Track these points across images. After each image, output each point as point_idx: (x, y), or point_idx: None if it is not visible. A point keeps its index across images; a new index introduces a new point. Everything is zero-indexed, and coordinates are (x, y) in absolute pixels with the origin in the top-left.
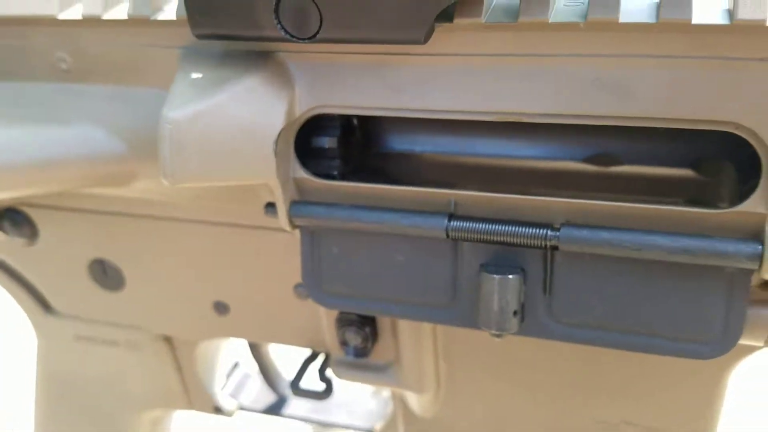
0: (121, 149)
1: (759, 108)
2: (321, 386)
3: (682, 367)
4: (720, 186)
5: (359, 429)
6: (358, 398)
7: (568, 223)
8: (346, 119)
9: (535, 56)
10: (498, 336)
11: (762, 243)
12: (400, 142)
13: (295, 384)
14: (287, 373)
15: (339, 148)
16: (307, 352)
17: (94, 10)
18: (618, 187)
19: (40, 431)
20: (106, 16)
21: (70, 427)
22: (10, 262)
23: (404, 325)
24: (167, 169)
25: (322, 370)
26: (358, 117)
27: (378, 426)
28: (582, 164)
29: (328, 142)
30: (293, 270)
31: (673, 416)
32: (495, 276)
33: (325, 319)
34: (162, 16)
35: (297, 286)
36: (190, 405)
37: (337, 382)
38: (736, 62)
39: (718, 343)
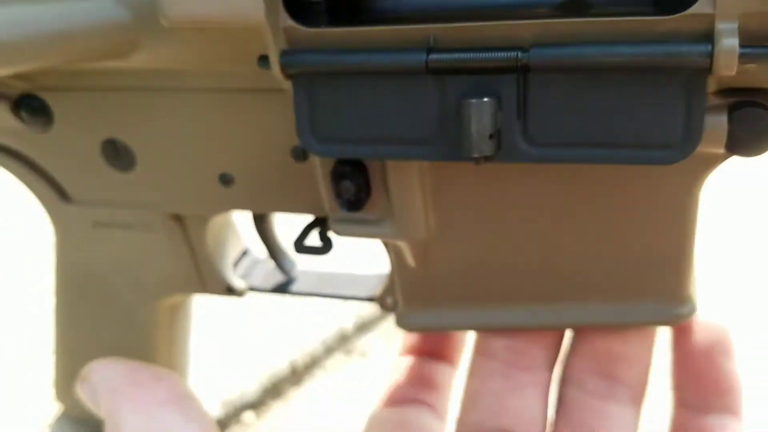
0: (126, 17)
1: None
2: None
3: (654, 187)
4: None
5: (362, 298)
6: (360, 274)
7: (537, 44)
8: None
9: None
10: (476, 162)
11: (711, 42)
12: (383, 4)
13: (298, 243)
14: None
15: (325, 2)
16: (308, 219)
17: None
18: None
19: (61, 327)
20: None
21: (90, 320)
22: (26, 151)
23: (393, 174)
24: (165, 8)
25: (322, 232)
26: None
27: (377, 291)
28: (553, 11)
29: None
30: (289, 134)
31: (650, 238)
32: (471, 101)
33: (320, 177)
34: None
35: (294, 149)
36: (204, 288)
37: (339, 263)
38: None
39: (681, 147)
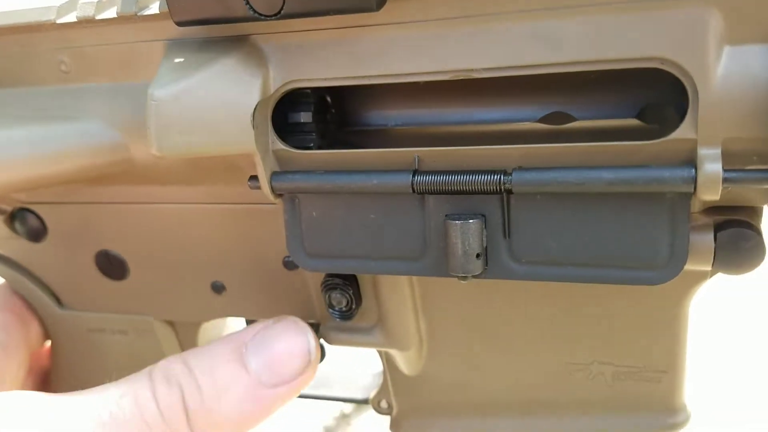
0: (118, 138)
1: (679, 41)
2: None
3: (643, 302)
4: (664, 129)
5: (358, 400)
6: (355, 375)
7: (520, 168)
8: (319, 97)
9: (479, 16)
10: (464, 279)
11: (695, 167)
12: (371, 118)
13: None
14: None
15: (314, 123)
16: None
17: (88, 12)
18: (571, 141)
19: None
20: (98, 17)
21: None
22: (20, 259)
23: (384, 286)
24: (154, 142)
25: None
26: (331, 94)
27: (372, 394)
28: (537, 124)
29: (303, 117)
30: (281, 244)
31: (641, 351)
32: (457, 222)
33: (312, 286)
34: (147, 12)
35: (285, 258)
36: None
37: (335, 361)
38: (652, 2)
39: (666, 268)
